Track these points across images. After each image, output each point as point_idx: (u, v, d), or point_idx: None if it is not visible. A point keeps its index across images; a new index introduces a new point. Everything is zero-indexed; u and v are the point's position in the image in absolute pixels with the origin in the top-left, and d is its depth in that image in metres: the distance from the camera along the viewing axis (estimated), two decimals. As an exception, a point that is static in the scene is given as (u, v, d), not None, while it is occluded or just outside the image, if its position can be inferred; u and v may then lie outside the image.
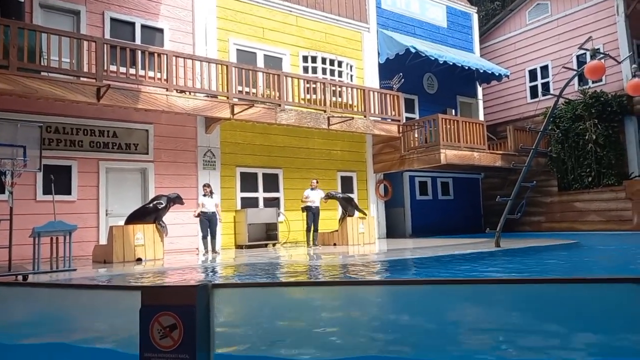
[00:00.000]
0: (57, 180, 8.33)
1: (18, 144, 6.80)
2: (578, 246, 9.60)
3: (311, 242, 11.59)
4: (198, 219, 10.05)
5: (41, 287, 3.21)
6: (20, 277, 6.30)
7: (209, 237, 10.08)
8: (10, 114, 8.87)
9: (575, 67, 14.79)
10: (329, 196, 11.95)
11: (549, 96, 13.70)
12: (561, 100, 11.29)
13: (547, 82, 17.02)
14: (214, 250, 10.11)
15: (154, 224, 9.05)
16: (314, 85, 12.43)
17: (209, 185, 10.23)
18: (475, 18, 18.11)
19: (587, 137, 14.82)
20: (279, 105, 11.53)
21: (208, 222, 10.03)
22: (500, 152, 14.77)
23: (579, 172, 15.15)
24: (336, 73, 13.92)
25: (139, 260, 8.66)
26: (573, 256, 8.35)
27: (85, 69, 9.30)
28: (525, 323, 1.94)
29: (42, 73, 8.81)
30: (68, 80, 9.00)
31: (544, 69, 17.39)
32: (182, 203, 9.49)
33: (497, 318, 2.02)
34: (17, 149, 6.74)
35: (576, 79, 14.58)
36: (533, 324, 1.93)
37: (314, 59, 13.66)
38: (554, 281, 1.99)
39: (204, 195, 10.12)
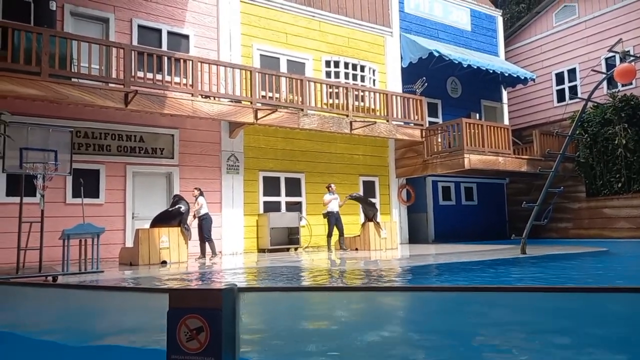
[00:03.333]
0: (86, 184, 8.54)
1: (50, 148, 7.00)
2: (607, 254, 9.34)
3: (335, 247, 11.55)
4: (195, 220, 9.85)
5: (72, 289, 3.29)
6: (50, 278, 6.47)
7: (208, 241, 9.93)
8: (41, 119, 9.15)
9: (604, 70, 14.45)
10: (352, 197, 11.92)
11: (577, 100, 13.42)
12: (589, 104, 11.04)
13: (575, 86, 16.66)
14: (214, 254, 9.96)
15: (179, 228, 9.19)
16: (336, 90, 12.45)
17: (198, 189, 10.05)
18: (500, 21, 17.89)
19: (616, 142, 14.43)
20: (302, 109, 11.59)
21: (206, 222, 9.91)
22: (526, 156, 14.51)
23: (608, 177, 14.76)
24: (359, 78, 13.92)
25: (164, 263, 8.80)
26: (602, 264, 8.13)
27: (114, 75, 9.53)
28: (555, 331, 1.91)
29: (72, 79, 9.07)
30: (97, 86, 9.24)
31: (572, 72, 17.04)
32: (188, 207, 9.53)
33: (522, 326, 1.99)
34: (48, 153, 6.94)
35: (605, 82, 14.24)
36: (561, 332, 1.89)
37: (336, 64, 13.69)
38: (584, 290, 1.95)
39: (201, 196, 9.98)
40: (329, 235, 11.56)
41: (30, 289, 3.44)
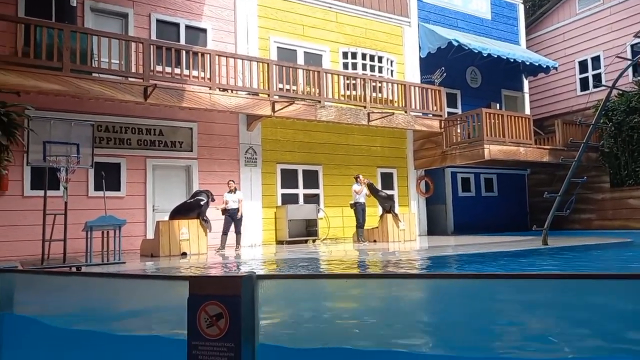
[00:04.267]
0: (107, 177, 8.69)
1: (72, 142, 7.14)
2: (632, 245, 9.13)
3: (359, 238, 11.56)
4: (224, 215, 9.98)
5: (96, 277, 3.36)
6: (74, 269, 6.62)
7: (231, 234, 10.03)
8: (63, 113, 9.32)
9: (629, 57, 14.05)
10: (369, 186, 11.91)
11: (601, 88, 13.09)
12: (614, 92, 10.76)
13: (599, 74, 16.24)
14: (237, 246, 10.06)
15: (198, 220, 9.29)
16: (354, 82, 12.38)
17: (233, 182, 10.24)
18: (521, 9, 17.51)
19: (642, 131, 14.05)
20: (319, 102, 11.56)
21: (231, 218, 10.02)
22: (548, 147, 14.24)
23: (634, 167, 14.38)
24: (376, 69, 13.81)
25: (184, 254, 8.92)
26: (626, 255, 7.95)
27: (133, 70, 9.64)
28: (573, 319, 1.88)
29: (93, 74, 9.21)
30: (117, 80, 9.37)
31: (595, 59, 16.61)
32: (212, 200, 9.66)
33: (539, 314, 1.96)
34: (71, 147, 7.09)
35: (630, 69, 13.83)
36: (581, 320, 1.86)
37: (354, 55, 13.61)
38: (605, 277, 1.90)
39: (229, 192, 10.06)
40: (359, 225, 11.53)
41: (56, 277, 3.53)
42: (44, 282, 3.39)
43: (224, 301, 2.12)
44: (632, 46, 15.12)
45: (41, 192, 7.37)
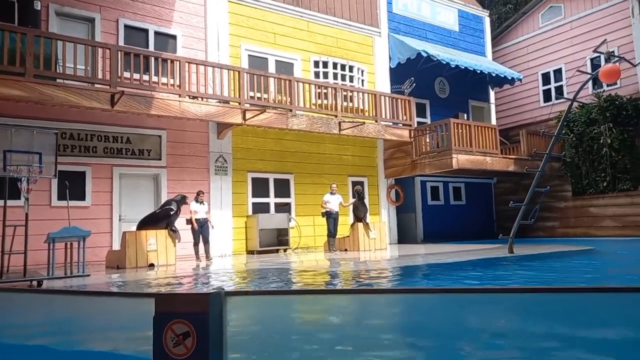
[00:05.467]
0: (72, 186, 8.42)
1: (34, 150, 6.90)
2: (593, 252, 9.46)
3: (330, 248, 11.57)
4: (189, 226, 9.83)
5: (57, 294, 3.24)
6: (34, 283, 6.38)
7: (200, 244, 9.90)
8: (26, 120, 9.01)
9: (589, 70, 14.63)
10: (359, 192, 12.06)
11: (563, 100, 13.57)
12: (575, 104, 11.17)
13: (561, 86, 16.84)
14: (207, 257, 9.92)
15: (167, 230, 9.11)
16: (325, 91, 12.44)
17: (203, 193, 10.09)
18: (487, 21, 18.03)
19: (601, 141, 14.62)
20: (291, 110, 11.56)
21: (200, 228, 9.87)
22: (513, 156, 14.64)
23: (594, 176, 14.94)
24: (347, 78, 13.93)
25: (152, 265, 8.72)
26: (588, 263, 8.22)
27: (100, 76, 9.41)
28: (538, 331, 1.92)
29: (58, 80, 8.94)
30: (83, 87, 9.13)
31: (558, 72, 17.23)
32: (187, 203, 9.55)
33: (509, 327, 2.00)
34: (33, 156, 6.84)
35: (590, 82, 14.41)
36: (548, 332, 1.90)
37: (325, 64, 13.69)
38: (570, 290, 1.96)
39: (197, 202, 9.90)
40: (329, 235, 11.59)
41: (15, 294, 3.39)
42: (1, 298, 3.24)
43: (191, 319, 2.07)
44: (591, 60, 15.75)
45: (0, 202, 7.08)
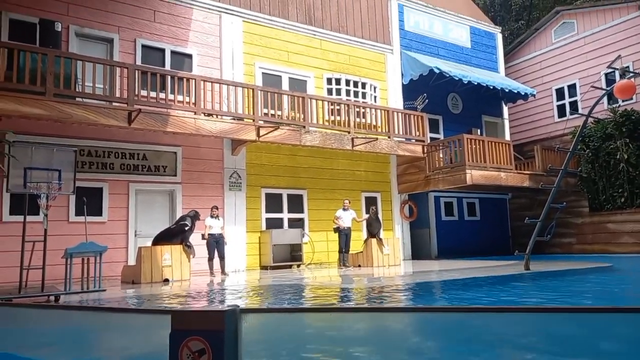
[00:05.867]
0: (89, 202, 8.56)
1: (53, 167, 7.05)
2: (612, 270, 9.27)
3: (342, 263, 11.55)
4: (205, 241, 9.94)
5: (74, 310, 3.29)
6: (52, 298, 6.46)
7: (214, 260, 9.98)
8: (45, 137, 9.22)
9: (604, 85, 14.54)
10: (374, 212, 12.10)
11: (577, 115, 13.47)
12: (590, 120, 11.09)
13: (575, 101, 16.74)
14: (223, 272, 9.99)
15: (181, 245, 9.18)
16: (338, 107, 12.54)
17: (217, 208, 10.20)
18: (499, 38, 18.06)
19: (618, 157, 14.44)
20: (304, 127, 11.66)
21: (216, 243, 9.96)
22: (528, 172, 14.52)
23: (611, 192, 14.73)
24: (360, 94, 14.02)
25: (167, 281, 8.77)
26: (607, 281, 8.07)
27: (118, 94, 9.63)
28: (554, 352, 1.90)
29: (77, 99, 9.16)
30: (101, 105, 9.34)
31: (572, 87, 17.14)
32: (200, 219, 9.65)
33: (529, 347, 1.98)
34: (52, 173, 6.98)
35: (605, 97, 14.31)
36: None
37: (337, 81, 13.81)
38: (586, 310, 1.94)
39: (212, 217, 10.01)
40: (340, 251, 11.62)
41: (33, 310, 3.44)
42: (19, 314, 3.30)
43: (207, 336, 2.09)
44: (606, 75, 15.65)
45: (20, 218, 7.22)
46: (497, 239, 16.44)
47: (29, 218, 7.12)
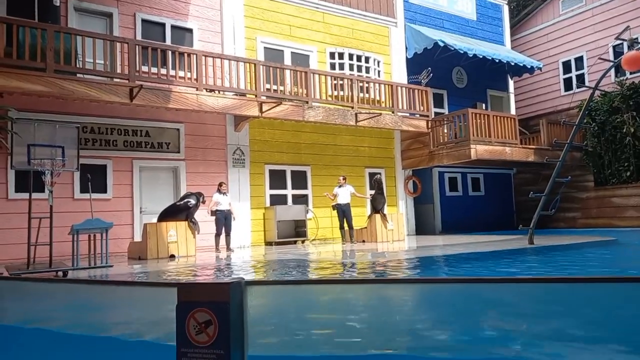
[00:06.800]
0: (93, 179, 8.58)
1: (57, 144, 7.04)
2: (616, 243, 9.29)
3: (346, 239, 11.59)
4: (214, 217, 10.01)
5: (82, 284, 3.32)
6: (60, 273, 6.54)
7: (222, 235, 10.09)
8: (47, 115, 9.19)
9: (611, 58, 14.29)
10: (377, 182, 11.97)
11: (584, 88, 13.29)
12: (597, 93, 10.93)
13: (582, 74, 16.50)
14: (228, 248, 10.10)
15: (187, 222, 9.23)
16: (341, 82, 12.40)
17: (224, 184, 10.25)
18: (505, 10, 17.70)
19: (624, 130, 14.30)
20: (307, 102, 11.56)
21: (224, 219, 10.03)
22: (533, 146, 14.42)
23: (617, 166, 14.64)
24: (363, 69, 13.85)
25: (172, 257, 8.86)
26: (612, 254, 8.09)
27: (119, 70, 9.54)
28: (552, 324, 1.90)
29: (78, 75, 9.09)
30: (102, 81, 9.26)
31: (579, 60, 16.86)
32: (203, 202, 9.67)
33: (527, 318, 1.98)
34: (55, 149, 6.98)
35: (613, 70, 14.08)
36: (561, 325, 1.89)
37: (341, 55, 13.63)
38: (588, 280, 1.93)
39: (220, 192, 10.05)
40: (341, 227, 11.63)
41: (41, 284, 3.48)
42: (28, 288, 3.34)
43: (213, 308, 2.11)
44: (614, 47, 15.37)
45: (26, 195, 7.26)
46: (501, 214, 16.46)
47: (34, 195, 7.15)
